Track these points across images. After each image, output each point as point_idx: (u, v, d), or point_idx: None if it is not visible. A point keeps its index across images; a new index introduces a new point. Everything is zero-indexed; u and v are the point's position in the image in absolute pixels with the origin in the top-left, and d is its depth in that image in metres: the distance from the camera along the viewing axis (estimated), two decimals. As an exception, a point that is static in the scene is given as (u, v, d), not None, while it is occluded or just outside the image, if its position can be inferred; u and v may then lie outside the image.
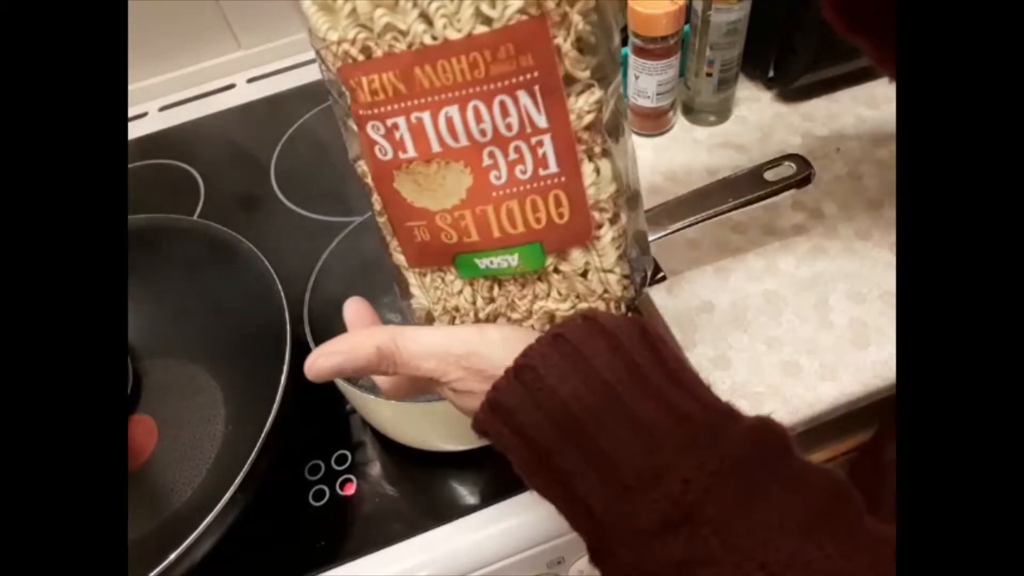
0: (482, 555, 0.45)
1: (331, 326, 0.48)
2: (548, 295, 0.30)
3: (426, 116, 0.25)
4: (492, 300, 0.31)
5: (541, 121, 0.25)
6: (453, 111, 0.25)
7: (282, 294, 0.46)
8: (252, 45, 0.83)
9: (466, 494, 0.47)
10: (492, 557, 0.45)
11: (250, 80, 0.83)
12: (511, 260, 0.29)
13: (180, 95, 0.83)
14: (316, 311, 0.45)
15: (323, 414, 0.52)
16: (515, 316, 0.31)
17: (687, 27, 0.60)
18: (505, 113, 0.25)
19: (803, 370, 0.48)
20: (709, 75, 0.61)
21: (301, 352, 0.44)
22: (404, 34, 0.25)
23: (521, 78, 0.24)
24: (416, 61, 0.25)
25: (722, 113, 0.64)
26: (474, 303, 0.31)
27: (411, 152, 0.26)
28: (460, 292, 0.31)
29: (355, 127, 0.28)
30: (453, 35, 0.24)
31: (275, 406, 0.41)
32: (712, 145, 0.63)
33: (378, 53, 0.25)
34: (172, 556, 0.37)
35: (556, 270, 0.29)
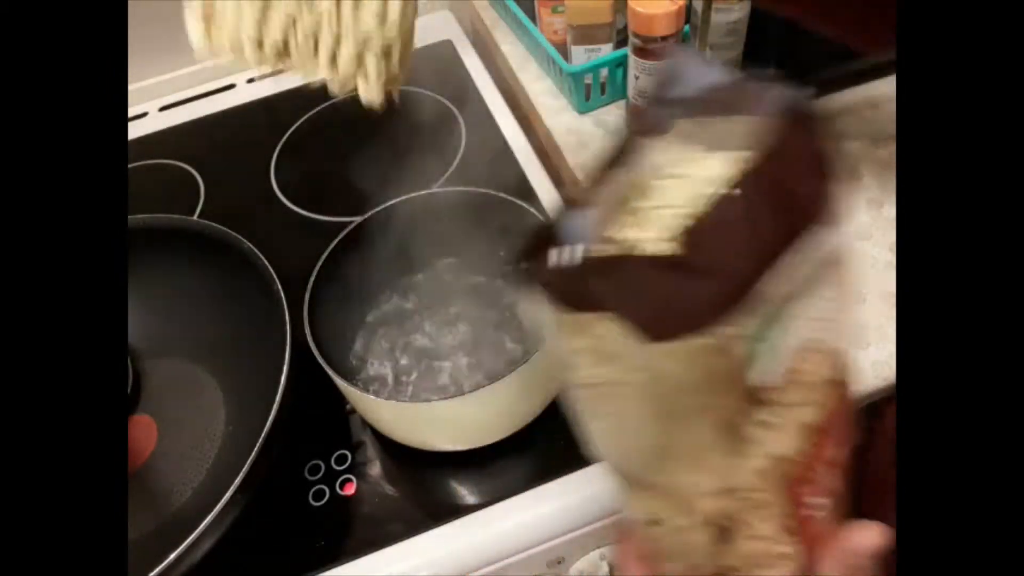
0: (482, 555, 0.45)
1: (331, 326, 0.48)
2: None
3: None
4: None
5: None
6: None
7: (282, 294, 0.46)
8: (252, 45, 0.83)
9: (466, 494, 0.47)
10: (492, 557, 0.45)
11: (250, 80, 0.83)
12: None
13: (180, 95, 0.83)
14: (316, 311, 0.45)
15: (323, 414, 0.52)
16: None
17: (687, 27, 0.60)
18: None
19: (803, 370, 0.47)
20: (709, 75, 0.61)
21: (301, 352, 0.45)
22: None
23: None
24: None
25: (722, 113, 0.64)
26: None
27: None
28: None
29: None
30: None
31: (275, 406, 0.41)
32: (712, 145, 0.63)
33: None
34: (172, 556, 0.37)
35: None
